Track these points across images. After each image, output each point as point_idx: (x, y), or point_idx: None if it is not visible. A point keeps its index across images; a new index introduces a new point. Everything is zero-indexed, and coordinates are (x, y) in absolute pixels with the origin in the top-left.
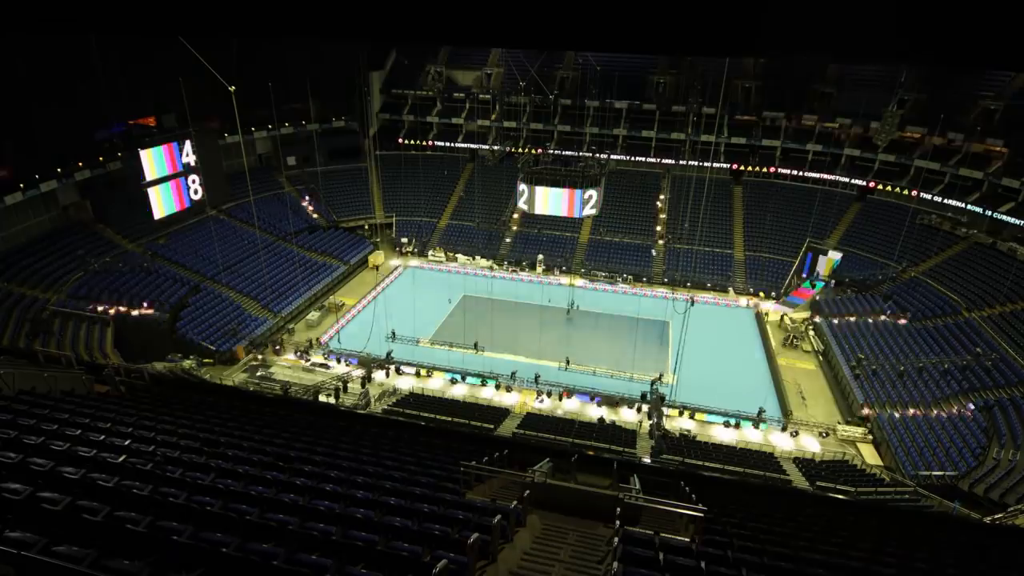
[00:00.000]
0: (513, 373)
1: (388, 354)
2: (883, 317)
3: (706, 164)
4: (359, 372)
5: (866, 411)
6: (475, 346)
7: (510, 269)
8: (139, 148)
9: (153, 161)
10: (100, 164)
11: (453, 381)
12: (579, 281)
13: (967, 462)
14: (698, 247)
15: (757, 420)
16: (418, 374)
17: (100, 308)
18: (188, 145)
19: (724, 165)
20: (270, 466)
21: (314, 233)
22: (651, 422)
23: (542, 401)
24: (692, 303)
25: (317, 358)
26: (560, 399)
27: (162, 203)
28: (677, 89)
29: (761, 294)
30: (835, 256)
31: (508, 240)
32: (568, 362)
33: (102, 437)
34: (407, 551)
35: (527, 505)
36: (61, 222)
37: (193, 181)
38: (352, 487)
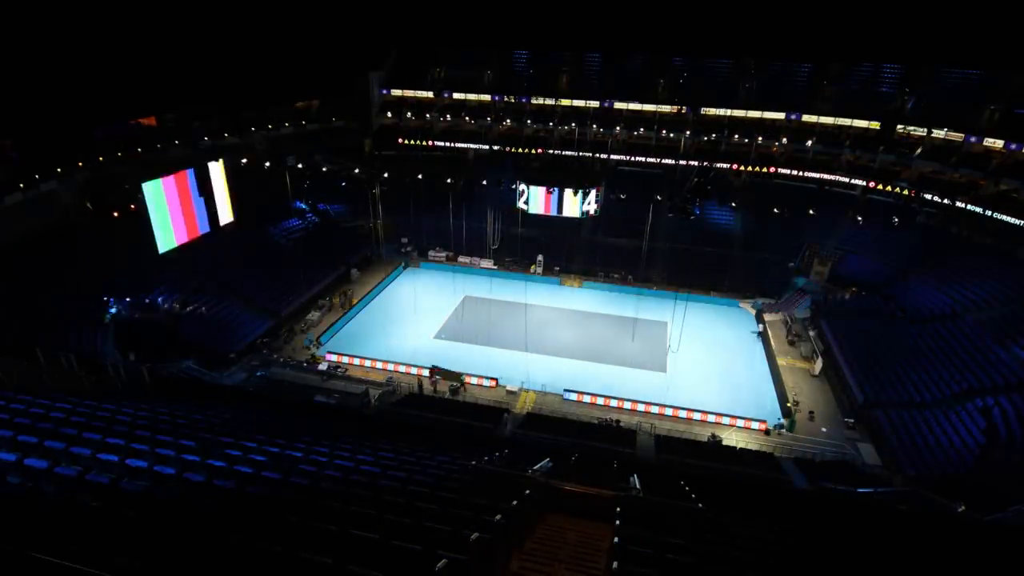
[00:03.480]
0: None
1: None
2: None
3: (706, 164)
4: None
5: (866, 411)
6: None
7: (511, 269)
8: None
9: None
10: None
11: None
12: (579, 281)
13: (967, 462)
14: (698, 247)
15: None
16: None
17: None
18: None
19: (724, 165)
20: (267, 466)
21: (314, 233)
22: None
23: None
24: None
25: (316, 359)
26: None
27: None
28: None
29: (758, 296)
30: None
31: (508, 240)
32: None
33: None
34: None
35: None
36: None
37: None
38: (350, 485)
